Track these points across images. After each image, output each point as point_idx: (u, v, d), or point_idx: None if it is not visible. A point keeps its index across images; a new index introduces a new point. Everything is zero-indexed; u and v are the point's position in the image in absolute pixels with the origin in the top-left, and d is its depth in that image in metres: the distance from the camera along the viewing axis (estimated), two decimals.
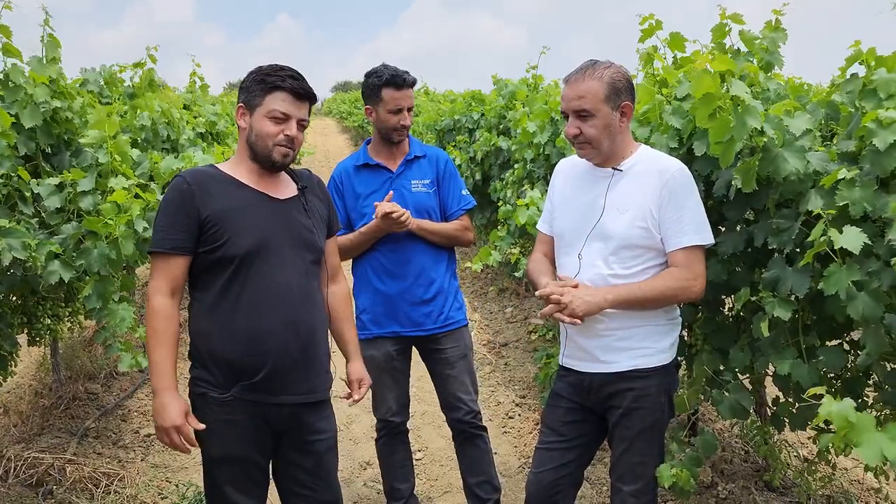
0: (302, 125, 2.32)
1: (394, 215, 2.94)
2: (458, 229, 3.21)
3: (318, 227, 2.42)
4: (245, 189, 2.31)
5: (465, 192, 3.28)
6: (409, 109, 3.09)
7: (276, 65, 2.32)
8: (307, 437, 2.39)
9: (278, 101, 2.26)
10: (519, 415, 4.84)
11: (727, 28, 2.89)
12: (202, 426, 2.21)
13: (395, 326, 3.16)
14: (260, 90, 2.27)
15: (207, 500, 2.39)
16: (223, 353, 2.24)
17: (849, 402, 1.67)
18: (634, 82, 2.46)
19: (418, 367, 3.35)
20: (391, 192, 3.08)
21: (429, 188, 3.18)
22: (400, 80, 3.04)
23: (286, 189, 2.41)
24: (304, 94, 2.29)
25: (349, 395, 2.60)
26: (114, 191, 3.23)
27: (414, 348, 3.28)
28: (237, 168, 2.36)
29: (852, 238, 2.05)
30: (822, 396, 1.74)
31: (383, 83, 3.05)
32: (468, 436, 3.29)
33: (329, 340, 2.50)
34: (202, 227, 2.22)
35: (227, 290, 2.24)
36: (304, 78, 2.31)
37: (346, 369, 2.62)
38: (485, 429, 3.34)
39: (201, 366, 2.29)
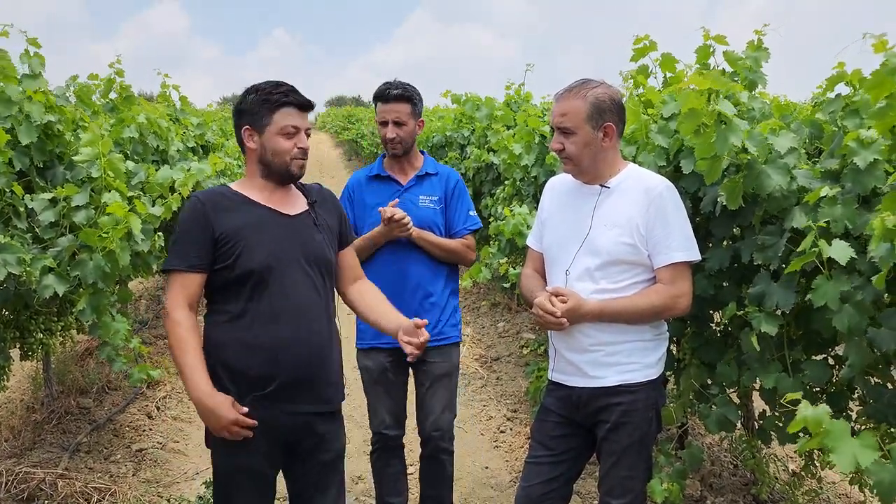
0: (308, 134, 2.42)
1: (395, 217, 3.01)
2: (459, 246, 3.25)
3: (329, 240, 2.49)
4: (256, 206, 2.39)
5: (472, 212, 3.31)
6: (397, 123, 3.15)
7: (272, 81, 2.40)
8: (320, 445, 2.44)
9: (287, 117, 2.35)
10: (510, 429, 4.85)
11: (711, 49, 2.95)
12: (245, 409, 2.24)
13: (389, 337, 3.18)
14: (266, 109, 2.35)
15: None
16: (237, 365, 2.30)
17: (824, 408, 1.71)
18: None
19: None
20: (396, 199, 3.14)
21: (436, 205, 3.23)
22: (384, 94, 3.15)
23: (297, 204, 2.48)
24: (307, 105, 2.40)
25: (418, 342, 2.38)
26: (108, 205, 3.25)
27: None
28: (248, 187, 2.43)
29: (841, 250, 2.10)
30: (799, 403, 1.77)
31: (375, 96, 3.20)
32: (433, 451, 3.32)
33: (341, 352, 2.52)
34: (216, 244, 2.30)
35: (242, 305, 2.31)
36: (298, 90, 2.41)
37: (402, 326, 2.45)
38: (451, 452, 3.35)
39: (214, 378, 2.31)
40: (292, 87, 2.39)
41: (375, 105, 3.21)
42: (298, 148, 2.36)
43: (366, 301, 2.61)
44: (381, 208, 3.06)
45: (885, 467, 1.67)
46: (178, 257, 2.32)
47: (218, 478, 2.40)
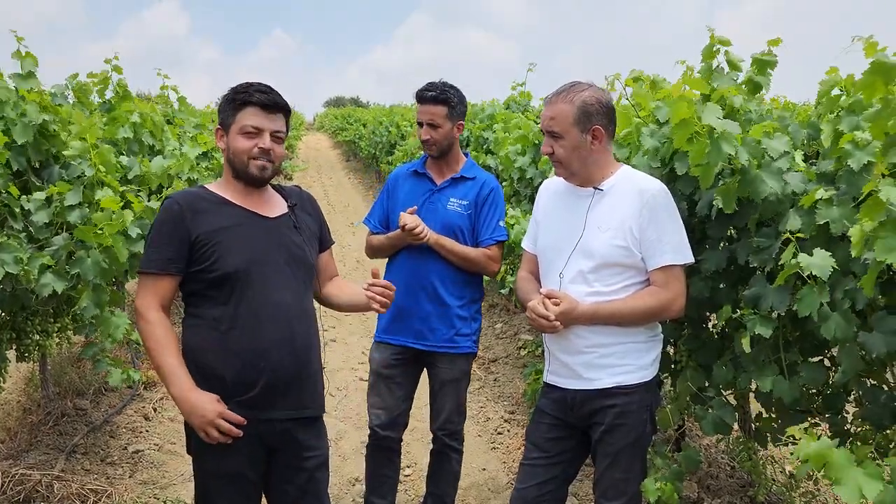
0: (277, 137, 2.34)
1: (407, 226, 3.02)
2: (479, 256, 3.20)
3: (308, 243, 2.46)
4: (234, 208, 2.35)
5: (502, 223, 3.26)
6: (431, 125, 3.15)
7: (246, 82, 2.36)
8: (299, 453, 2.40)
9: (249, 116, 2.30)
10: (508, 431, 4.85)
11: (715, 49, 2.95)
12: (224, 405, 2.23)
13: (400, 336, 3.23)
14: (231, 109, 2.32)
15: None
16: (218, 369, 2.26)
17: (825, 442, 1.69)
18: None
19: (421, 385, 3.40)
20: (415, 206, 3.15)
21: (464, 210, 3.21)
22: (421, 96, 3.18)
23: (276, 207, 2.44)
24: (274, 106, 2.32)
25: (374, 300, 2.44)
26: (100, 201, 3.25)
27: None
28: (225, 188, 2.40)
29: (821, 261, 2.09)
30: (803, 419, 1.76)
31: (415, 96, 3.24)
32: (440, 447, 3.38)
33: (322, 356, 2.51)
34: (193, 246, 2.26)
35: (222, 308, 2.28)
36: (274, 91, 2.35)
37: (361, 289, 2.50)
38: (457, 451, 3.39)
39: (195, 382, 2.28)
40: (264, 87, 2.34)
41: (418, 104, 3.24)
42: (259, 148, 2.30)
43: (339, 287, 2.62)
44: (401, 213, 3.08)
45: (888, 492, 1.65)
46: (151, 259, 2.28)
47: (200, 484, 2.37)
